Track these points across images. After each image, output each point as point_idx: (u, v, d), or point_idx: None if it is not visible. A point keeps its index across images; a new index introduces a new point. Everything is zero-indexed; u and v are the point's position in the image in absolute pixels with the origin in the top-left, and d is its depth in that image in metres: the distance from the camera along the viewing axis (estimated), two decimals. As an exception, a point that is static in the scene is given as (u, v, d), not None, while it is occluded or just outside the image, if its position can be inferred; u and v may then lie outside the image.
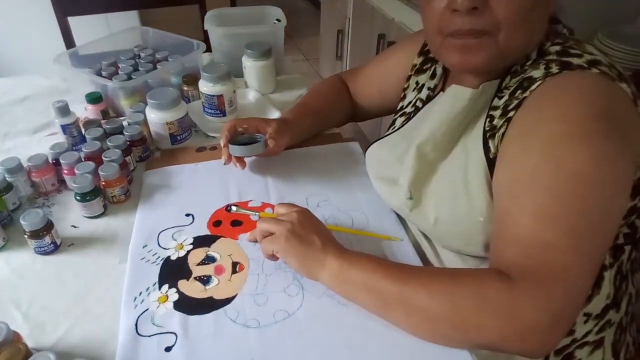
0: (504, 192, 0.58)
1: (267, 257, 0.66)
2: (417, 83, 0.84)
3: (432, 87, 0.80)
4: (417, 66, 0.84)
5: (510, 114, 0.61)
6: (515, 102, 0.61)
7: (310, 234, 0.63)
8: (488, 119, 0.64)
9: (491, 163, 0.62)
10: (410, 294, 0.56)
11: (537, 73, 0.61)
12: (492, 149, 0.62)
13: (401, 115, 0.85)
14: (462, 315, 0.53)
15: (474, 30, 0.60)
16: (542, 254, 0.52)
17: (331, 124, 0.99)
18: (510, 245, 0.55)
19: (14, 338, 0.55)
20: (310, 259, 0.62)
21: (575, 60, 0.59)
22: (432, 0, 0.63)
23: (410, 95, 0.85)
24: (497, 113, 0.63)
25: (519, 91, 0.62)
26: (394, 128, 0.85)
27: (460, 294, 0.53)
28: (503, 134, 0.61)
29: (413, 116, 0.81)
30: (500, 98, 0.64)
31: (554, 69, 0.59)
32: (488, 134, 0.63)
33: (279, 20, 1.21)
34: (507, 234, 0.56)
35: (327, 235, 0.65)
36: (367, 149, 0.86)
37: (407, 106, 0.85)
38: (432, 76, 0.81)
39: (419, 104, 0.81)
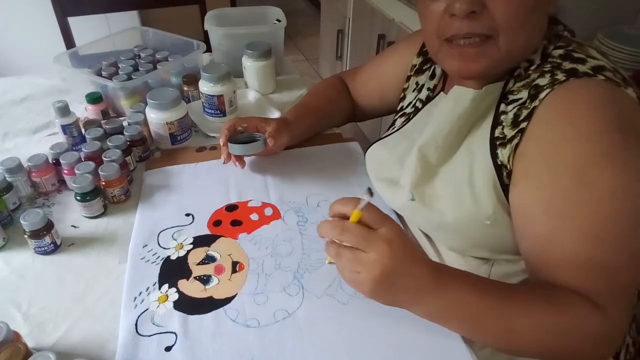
0: (539, 216, 0.58)
1: (346, 282, 0.58)
2: (416, 83, 0.84)
3: (431, 87, 0.80)
4: (417, 66, 0.84)
5: (523, 124, 0.60)
6: (526, 112, 0.61)
7: (402, 275, 0.53)
8: (496, 125, 0.64)
9: (498, 169, 0.62)
10: (513, 330, 0.55)
11: (543, 81, 0.61)
12: (501, 157, 0.62)
13: (401, 116, 0.85)
14: (563, 346, 0.56)
15: (472, 34, 0.60)
16: (605, 277, 0.55)
17: (331, 124, 0.99)
18: (569, 270, 0.56)
19: (14, 338, 0.55)
20: (400, 300, 0.57)
21: (581, 67, 0.59)
22: (430, 5, 0.62)
23: (410, 96, 0.85)
24: (507, 121, 0.63)
25: (527, 101, 0.61)
26: (393, 128, 0.85)
27: (563, 328, 0.55)
28: (517, 145, 0.60)
29: (413, 117, 0.80)
30: (507, 104, 0.64)
31: (560, 76, 0.59)
32: (498, 142, 0.63)
33: (279, 21, 1.21)
34: (559, 260, 0.57)
35: (420, 266, 0.55)
36: (366, 150, 0.86)
37: (407, 106, 0.85)
38: (432, 76, 0.81)
39: (418, 104, 0.81)
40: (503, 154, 0.62)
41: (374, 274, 0.52)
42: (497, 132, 0.63)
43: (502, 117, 0.64)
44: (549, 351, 0.56)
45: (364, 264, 0.53)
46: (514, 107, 0.63)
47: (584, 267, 0.55)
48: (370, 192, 0.54)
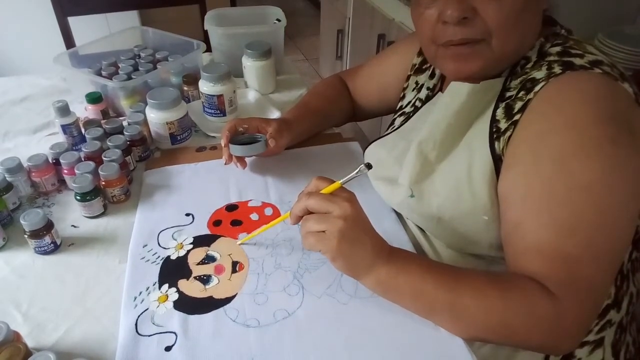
0: (516, 202, 0.58)
1: (307, 247, 0.59)
2: (416, 83, 0.84)
3: (431, 87, 0.80)
4: (417, 66, 0.84)
5: (516, 117, 0.61)
6: (520, 104, 0.61)
7: (362, 235, 0.58)
8: (494, 119, 0.64)
9: (496, 162, 0.62)
10: (460, 305, 0.56)
11: (539, 74, 0.61)
12: (498, 150, 0.62)
13: (400, 115, 0.85)
14: (510, 330, 0.55)
15: (466, 40, 0.61)
16: (568, 268, 0.54)
17: (331, 124, 0.99)
18: (534, 257, 0.56)
19: (14, 338, 0.55)
20: (359, 263, 0.59)
21: (577, 61, 0.59)
22: (423, 13, 0.63)
23: (410, 95, 0.85)
24: (502, 116, 0.63)
25: (522, 92, 0.62)
26: (393, 128, 0.85)
27: (511, 311, 0.54)
28: (509, 137, 0.61)
29: (412, 116, 0.81)
30: (504, 100, 0.64)
31: (557, 69, 0.59)
32: (495, 135, 0.63)
33: (279, 20, 1.21)
34: (526, 246, 0.57)
35: (376, 235, 0.60)
36: (365, 150, 0.86)
37: (406, 106, 0.85)
38: (431, 76, 0.81)
39: (418, 103, 0.81)
40: (499, 147, 0.62)
41: (339, 226, 0.55)
42: (494, 127, 0.64)
43: (498, 111, 0.64)
44: (497, 331, 0.55)
45: (328, 220, 0.56)
46: (509, 101, 0.63)
47: (547, 255, 0.55)
48: (369, 166, 0.60)
